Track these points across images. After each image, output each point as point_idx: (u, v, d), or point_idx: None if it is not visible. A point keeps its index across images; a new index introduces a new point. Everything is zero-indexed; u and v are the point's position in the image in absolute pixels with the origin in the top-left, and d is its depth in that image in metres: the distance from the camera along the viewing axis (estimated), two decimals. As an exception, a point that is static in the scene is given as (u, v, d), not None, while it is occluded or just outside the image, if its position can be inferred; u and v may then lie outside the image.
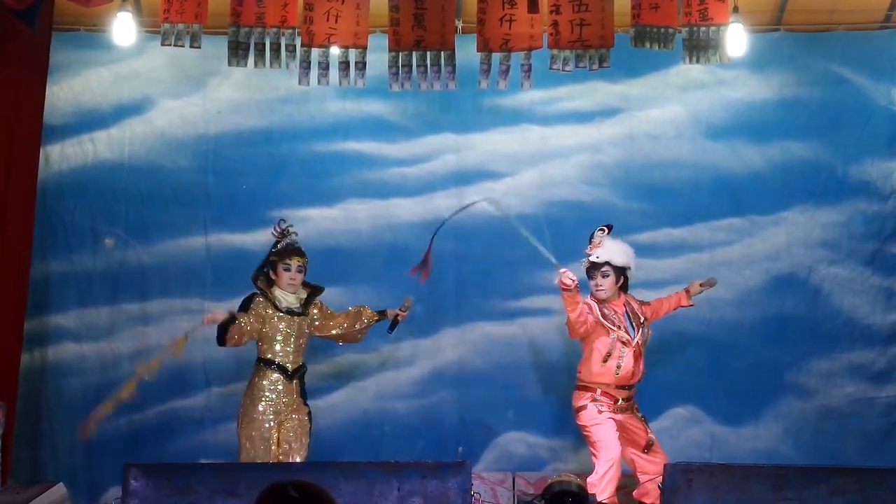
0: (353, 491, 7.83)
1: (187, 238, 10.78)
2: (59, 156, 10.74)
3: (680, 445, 10.36)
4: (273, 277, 9.52)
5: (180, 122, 10.88)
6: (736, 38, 9.14)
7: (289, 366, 9.41)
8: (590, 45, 8.73)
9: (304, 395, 9.55)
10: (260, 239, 10.52)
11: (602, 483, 9.16)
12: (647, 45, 8.84)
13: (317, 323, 9.65)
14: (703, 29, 8.84)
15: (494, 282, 10.80)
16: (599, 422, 9.32)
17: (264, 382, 9.37)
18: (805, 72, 10.91)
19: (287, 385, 9.38)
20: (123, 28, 9.60)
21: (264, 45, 8.88)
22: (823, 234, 10.81)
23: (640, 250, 10.29)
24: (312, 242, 10.35)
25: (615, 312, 9.44)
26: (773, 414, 10.69)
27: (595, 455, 9.34)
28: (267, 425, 9.27)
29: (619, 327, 9.40)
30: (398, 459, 9.09)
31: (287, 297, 9.50)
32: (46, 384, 10.65)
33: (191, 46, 8.97)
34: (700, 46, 8.89)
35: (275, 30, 8.85)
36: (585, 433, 9.45)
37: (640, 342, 9.43)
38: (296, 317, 9.48)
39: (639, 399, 9.53)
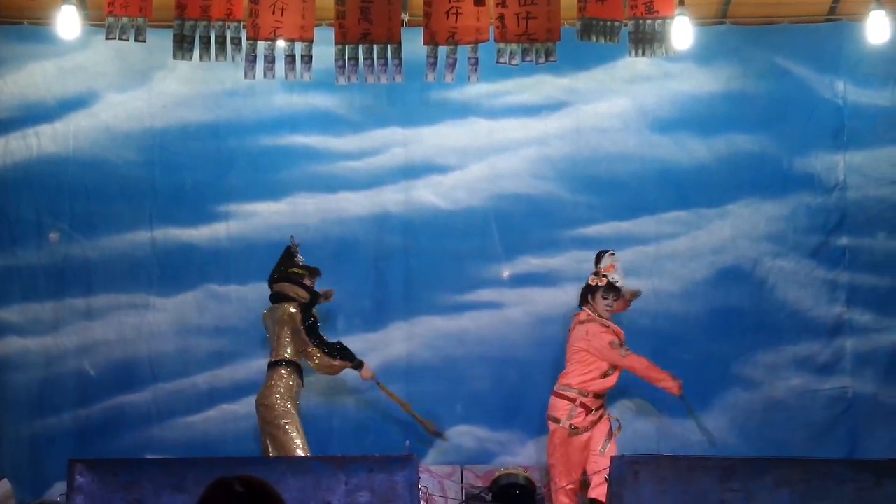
0: (301, 485, 7.81)
1: (133, 232, 10.73)
2: (2, 150, 10.68)
3: (627, 437, 10.36)
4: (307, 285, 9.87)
5: (126, 115, 10.82)
6: (682, 31, 9.18)
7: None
8: (536, 39, 8.75)
9: None
10: (206, 233, 10.56)
11: (553, 495, 9.33)
12: (594, 38, 8.89)
13: None
14: (648, 22, 8.89)
15: (443, 276, 10.80)
16: (568, 444, 9.54)
17: (293, 383, 9.70)
18: (750, 64, 10.97)
19: None
20: (68, 21, 9.54)
21: (210, 38, 8.86)
22: (768, 227, 10.87)
23: (587, 243, 10.42)
24: (260, 237, 10.42)
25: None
26: (719, 406, 10.73)
27: (553, 474, 9.64)
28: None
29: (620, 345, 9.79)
30: (346, 454, 9.09)
31: None
32: (-9, 379, 10.59)
33: (136, 40, 8.95)
34: (646, 39, 8.94)
35: (220, 23, 8.83)
36: (550, 448, 9.63)
37: None
38: None
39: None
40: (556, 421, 9.63)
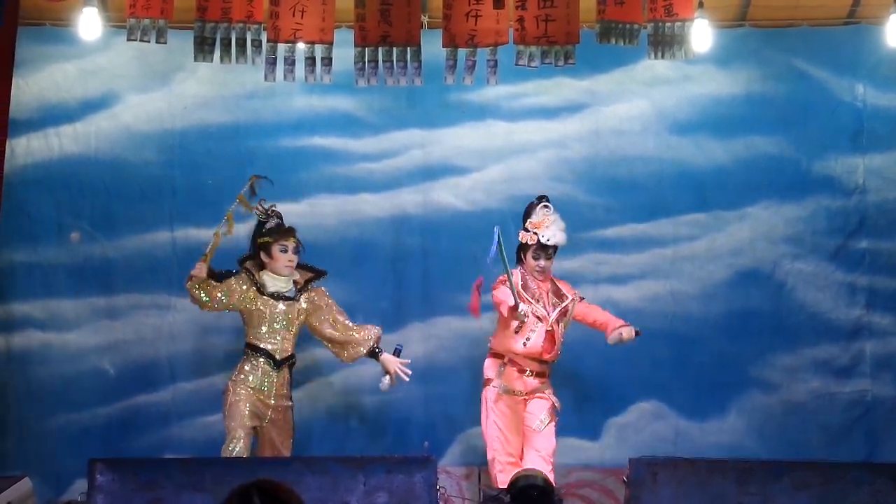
0: (319, 486, 7.83)
1: (153, 232, 10.78)
2: (24, 150, 10.70)
3: (644, 439, 10.40)
4: (266, 260, 9.31)
5: (146, 116, 10.87)
6: (701, 34, 9.17)
7: (277, 354, 9.24)
8: (555, 41, 8.76)
9: (290, 387, 9.43)
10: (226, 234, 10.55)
11: (493, 472, 9.18)
12: (613, 40, 8.88)
13: (309, 310, 9.44)
14: (668, 24, 8.88)
15: (461, 276, 10.76)
16: (497, 411, 9.32)
17: (247, 367, 9.21)
18: (769, 67, 10.97)
19: (274, 374, 9.22)
20: (89, 23, 9.53)
21: (230, 40, 8.86)
22: (787, 230, 10.87)
23: (605, 245, 10.43)
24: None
25: (539, 288, 9.42)
26: (737, 408, 10.73)
27: (489, 446, 9.39)
28: (246, 410, 9.13)
29: (537, 301, 9.36)
30: (364, 454, 9.10)
31: (277, 281, 9.29)
32: (12, 373, 10.63)
33: (157, 42, 8.95)
34: (665, 42, 8.93)
35: (241, 25, 8.84)
36: (483, 412, 9.41)
37: (556, 320, 9.37)
38: (283, 301, 9.28)
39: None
40: (489, 382, 9.36)
